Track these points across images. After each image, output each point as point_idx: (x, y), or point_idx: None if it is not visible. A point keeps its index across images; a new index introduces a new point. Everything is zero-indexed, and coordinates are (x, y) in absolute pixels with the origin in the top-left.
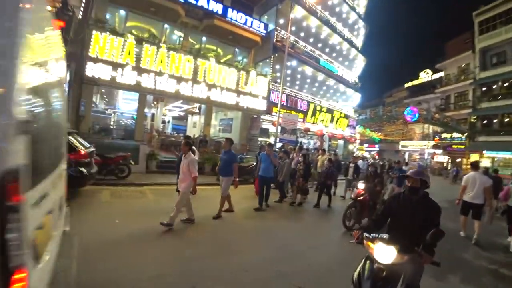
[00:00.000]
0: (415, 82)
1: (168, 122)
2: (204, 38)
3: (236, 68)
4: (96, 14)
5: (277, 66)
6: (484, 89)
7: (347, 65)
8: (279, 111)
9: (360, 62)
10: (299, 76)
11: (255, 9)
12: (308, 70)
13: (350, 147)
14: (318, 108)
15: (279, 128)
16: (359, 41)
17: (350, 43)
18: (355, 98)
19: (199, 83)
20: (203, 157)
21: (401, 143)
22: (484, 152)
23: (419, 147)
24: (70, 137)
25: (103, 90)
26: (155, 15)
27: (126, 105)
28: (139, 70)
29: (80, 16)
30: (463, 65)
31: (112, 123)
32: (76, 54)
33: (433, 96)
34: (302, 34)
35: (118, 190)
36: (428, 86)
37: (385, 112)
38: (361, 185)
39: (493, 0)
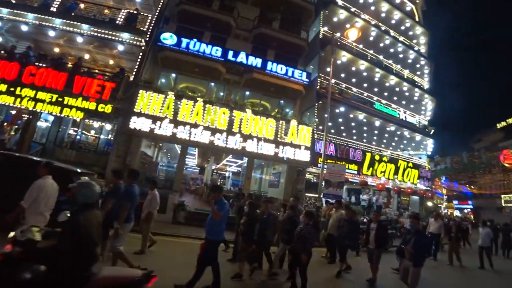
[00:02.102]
0: (510, 121)
1: (228, 177)
2: (247, 93)
3: (274, 118)
4: (150, 76)
5: (325, 115)
6: None
7: (413, 108)
8: (323, 161)
9: (429, 104)
10: (352, 124)
11: (300, 61)
12: (361, 116)
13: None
14: (376, 157)
15: (325, 181)
16: (424, 81)
17: (412, 83)
18: (428, 145)
19: (234, 134)
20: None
21: (504, 197)
22: None
23: None
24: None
25: (160, 145)
26: (200, 75)
27: (188, 160)
28: (175, 122)
29: (131, 78)
30: None
31: (161, 174)
32: (124, 110)
33: None
34: (354, 80)
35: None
36: None
37: (472, 158)
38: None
39: None
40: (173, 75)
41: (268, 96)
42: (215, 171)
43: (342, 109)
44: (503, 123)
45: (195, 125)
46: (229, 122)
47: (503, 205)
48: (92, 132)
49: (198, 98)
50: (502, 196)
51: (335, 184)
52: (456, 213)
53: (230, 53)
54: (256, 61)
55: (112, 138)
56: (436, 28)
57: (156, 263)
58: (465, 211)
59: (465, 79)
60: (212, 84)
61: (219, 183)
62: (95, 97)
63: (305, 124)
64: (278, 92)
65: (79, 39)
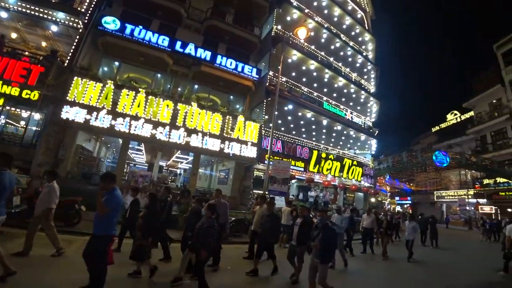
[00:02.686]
0: (443, 126)
1: (180, 174)
2: (196, 87)
3: (221, 113)
4: (89, 62)
5: (276, 112)
6: None
7: (360, 109)
8: (269, 158)
9: (374, 106)
10: (301, 122)
11: (251, 57)
12: (309, 115)
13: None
14: (323, 155)
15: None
16: (370, 85)
17: (359, 86)
18: (372, 144)
19: (178, 128)
20: (179, 209)
21: (436, 193)
22: None
23: (458, 196)
24: None
25: (103, 139)
26: (145, 65)
27: (137, 157)
28: (114, 114)
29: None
30: (494, 101)
31: (102, 170)
32: (55, 98)
33: (466, 138)
34: (304, 80)
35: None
36: (458, 128)
37: (410, 158)
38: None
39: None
40: (116, 63)
41: (217, 91)
42: (165, 168)
43: (290, 106)
44: (437, 127)
45: (136, 117)
46: (173, 115)
47: (435, 200)
48: (22, 123)
49: (140, 89)
50: (435, 192)
51: (280, 180)
52: (398, 208)
53: (178, 44)
54: (205, 54)
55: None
56: (383, 36)
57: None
58: (405, 206)
59: (408, 86)
60: (159, 75)
61: (169, 181)
62: (19, 82)
63: (252, 120)
64: (227, 87)
65: (3, 14)
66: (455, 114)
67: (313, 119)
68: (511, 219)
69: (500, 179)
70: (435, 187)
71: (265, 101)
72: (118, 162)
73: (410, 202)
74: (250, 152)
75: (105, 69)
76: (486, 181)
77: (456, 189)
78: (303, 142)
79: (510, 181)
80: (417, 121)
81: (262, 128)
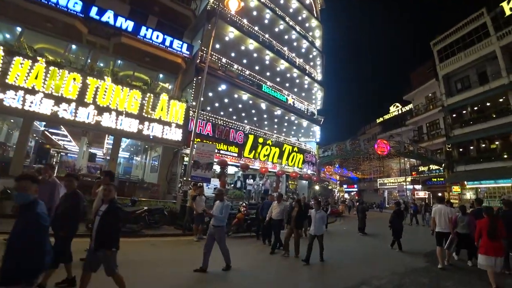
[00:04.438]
0: (386, 117)
1: (119, 163)
2: (119, 62)
3: (140, 90)
4: None
5: (210, 94)
6: (454, 115)
7: (304, 96)
8: (193, 141)
9: (319, 93)
10: (239, 105)
11: (186, 34)
12: (246, 97)
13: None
14: (260, 140)
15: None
16: (316, 72)
17: (303, 71)
18: (316, 132)
19: (87, 106)
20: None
21: (379, 180)
22: (466, 183)
23: (397, 183)
24: None
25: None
26: (55, 33)
27: (68, 144)
28: (3, 86)
29: None
30: (429, 94)
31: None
32: None
33: (405, 128)
34: (245, 61)
35: None
36: (400, 119)
37: (354, 147)
38: None
39: (449, 27)
40: (18, 28)
41: (144, 67)
42: (103, 156)
43: (224, 87)
44: (381, 119)
45: (32, 91)
46: (81, 90)
47: (378, 187)
48: None
49: (39, 58)
50: (378, 179)
51: (204, 165)
52: (346, 196)
53: (94, 10)
54: (126, 24)
55: None
56: (332, 28)
57: None
58: (352, 193)
59: (357, 78)
60: (74, 46)
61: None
62: None
63: (177, 99)
64: (155, 64)
65: None
66: (397, 106)
67: (250, 102)
68: (440, 202)
69: (433, 166)
70: (378, 175)
71: (194, 79)
72: (17, 146)
73: (356, 189)
74: (175, 134)
75: (8, 36)
76: (421, 169)
77: (396, 176)
78: (238, 126)
79: (440, 168)
80: (366, 112)
81: (190, 109)
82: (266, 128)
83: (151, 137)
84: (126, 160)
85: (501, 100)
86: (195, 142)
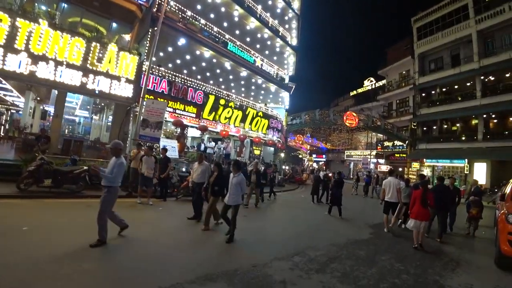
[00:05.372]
0: (360, 91)
1: (79, 123)
2: (64, 5)
3: (83, 37)
4: None
5: (170, 49)
6: (423, 95)
7: (276, 60)
8: (142, 98)
9: (291, 58)
10: (203, 63)
11: None
12: (209, 54)
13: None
14: (222, 102)
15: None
16: (291, 36)
17: (275, 32)
18: (285, 97)
19: (17, 53)
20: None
21: (346, 152)
22: (425, 160)
23: (362, 156)
24: None
25: None
26: None
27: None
28: None
29: None
30: (404, 72)
31: None
32: None
33: (376, 103)
34: (212, 16)
35: None
36: (372, 94)
37: (323, 116)
38: None
39: (431, 5)
40: None
41: (93, 13)
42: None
43: (184, 41)
44: (354, 92)
45: None
46: (9, 34)
47: (345, 158)
48: None
49: None
50: (345, 151)
51: (153, 124)
52: (314, 165)
53: None
54: None
55: None
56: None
57: None
58: (320, 163)
59: (335, 49)
60: None
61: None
62: None
63: (128, 51)
64: (106, 9)
65: None
66: (372, 81)
67: (214, 60)
68: (390, 174)
69: (397, 142)
70: (346, 147)
71: (150, 30)
72: None
73: (325, 159)
74: (125, 90)
75: None
76: (386, 143)
77: (363, 149)
78: (198, 85)
79: (404, 144)
80: (341, 84)
81: (145, 63)
82: (233, 91)
83: (97, 91)
84: (87, 120)
85: (468, 84)
86: (145, 99)
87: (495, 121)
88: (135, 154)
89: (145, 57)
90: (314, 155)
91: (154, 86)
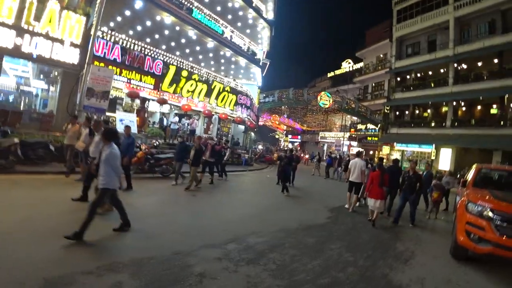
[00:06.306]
0: (337, 72)
1: (36, 95)
2: None
3: None
4: None
5: (128, 12)
6: (398, 79)
7: (249, 34)
8: (88, 64)
9: (265, 32)
10: (165, 31)
11: None
12: (170, 20)
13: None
14: (184, 73)
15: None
16: (267, 9)
17: (249, 2)
18: (257, 73)
19: None
20: None
21: (320, 134)
22: (395, 144)
23: (336, 138)
24: None
25: None
26: None
27: None
28: None
29: None
30: (381, 55)
31: None
32: None
33: (352, 86)
34: None
35: None
36: (349, 76)
37: (296, 96)
38: None
39: None
40: None
41: None
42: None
43: (140, 3)
44: (332, 73)
45: None
46: None
47: (319, 140)
48: None
49: None
50: (320, 133)
51: (99, 94)
52: (289, 145)
53: None
54: None
55: None
56: None
57: None
58: (295, 144)
59: (316, 29)
60: None
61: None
62: None
63: (73, 11)
64: None
65: None
66: (350, 63)
67: (177, 28)
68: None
69: (370, 126)
70: (321, 128)
71: None
72: None
73: (300, 140)
74: (70, 55)
75: None
76: (359, 126)
77: (337, 131)
78: (156, 54)
79: (376, 128)
80: (320, 65)
81: (93, 26)
82: (202, 64)
83: (35, 56)
84: (46, 92)
85: (442, 71)
86: (91, 65)
87: (464, 109)
88: (75, 129)
89: (95, 18)
90: (289, 136)
91: (105, 52)
